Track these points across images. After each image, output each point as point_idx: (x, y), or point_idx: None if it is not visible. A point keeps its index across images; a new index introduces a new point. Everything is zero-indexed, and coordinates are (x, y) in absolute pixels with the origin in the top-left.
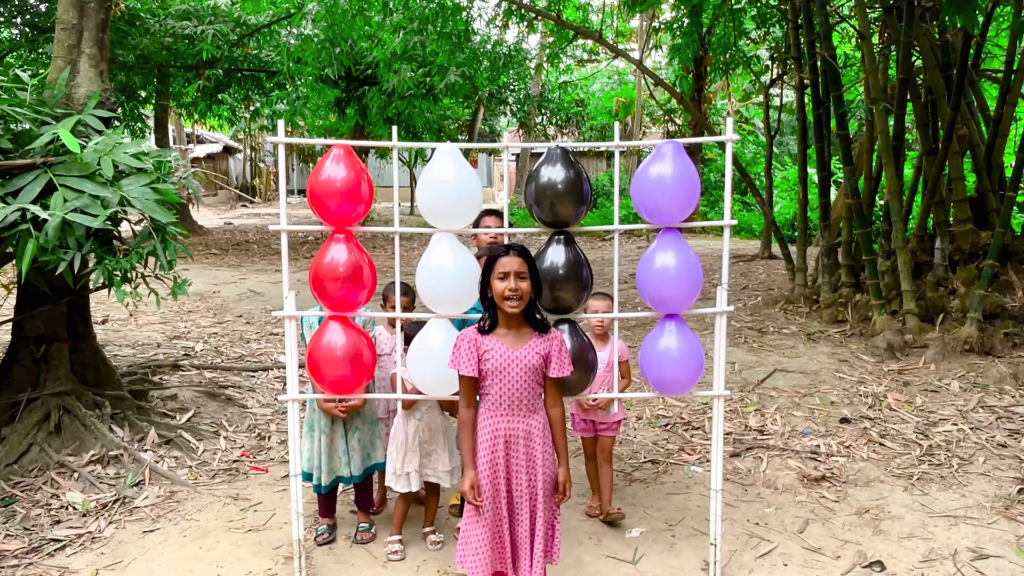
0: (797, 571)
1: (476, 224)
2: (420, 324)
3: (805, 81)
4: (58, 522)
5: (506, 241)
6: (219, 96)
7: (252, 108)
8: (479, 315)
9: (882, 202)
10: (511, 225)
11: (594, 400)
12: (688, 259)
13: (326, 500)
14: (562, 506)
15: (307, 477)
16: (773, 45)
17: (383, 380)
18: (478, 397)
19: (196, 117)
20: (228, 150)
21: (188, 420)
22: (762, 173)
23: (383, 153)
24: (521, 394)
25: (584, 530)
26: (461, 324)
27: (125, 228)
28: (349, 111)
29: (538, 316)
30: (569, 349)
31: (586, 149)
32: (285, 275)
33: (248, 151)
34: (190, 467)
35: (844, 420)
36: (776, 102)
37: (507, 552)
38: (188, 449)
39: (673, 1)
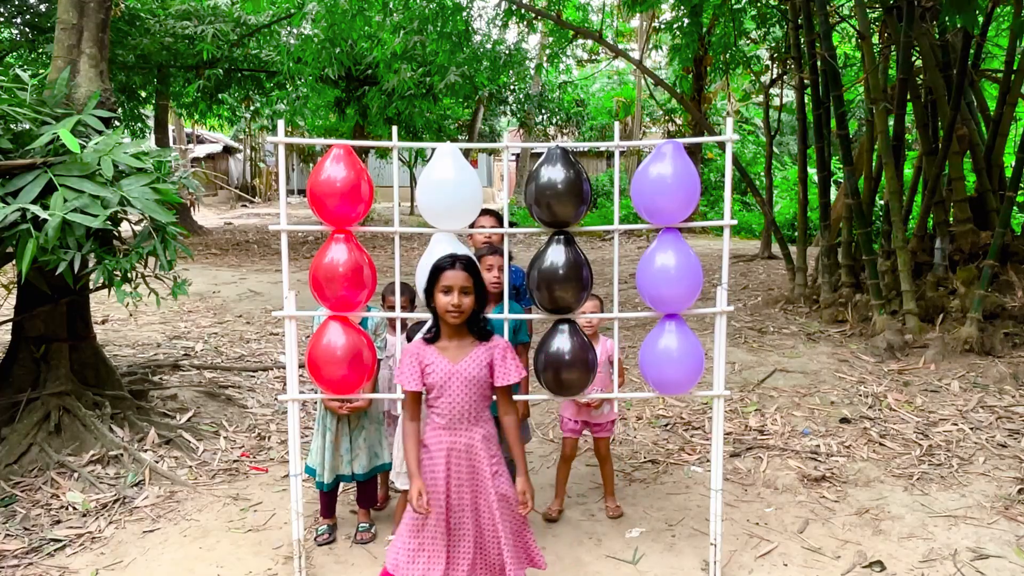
0: (797, 571)
1: (472, 224)
2: (421, 324)
3: (805, 81)
4: (58, 522)
5: (505, 241)
6: (219, 96)
7: (252, 108)
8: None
9: (882, 202)
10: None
11: (588, 402)
12: (688, 259)
13: (327, 499)
14: (564, 506)
15: (312, 472)
16: (773, 45)
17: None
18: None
19: (196, 117)
20: (228, 150)
21: (188, 420)
22: (762, 173)
23: (383, 153)
24: (463, 408)
25: (584, 530)
26: None
27: (125, 228)
28: (349, 111)
29: (481, 325)
30: (568, 350)
31: (586, 149)
32: (285, 275)
33: (248, 151)
34: (190, 467)
35: (844, 420)
36: (776, 102)
37: (442, 568)
38: (188, 449)
39: (673, 1)
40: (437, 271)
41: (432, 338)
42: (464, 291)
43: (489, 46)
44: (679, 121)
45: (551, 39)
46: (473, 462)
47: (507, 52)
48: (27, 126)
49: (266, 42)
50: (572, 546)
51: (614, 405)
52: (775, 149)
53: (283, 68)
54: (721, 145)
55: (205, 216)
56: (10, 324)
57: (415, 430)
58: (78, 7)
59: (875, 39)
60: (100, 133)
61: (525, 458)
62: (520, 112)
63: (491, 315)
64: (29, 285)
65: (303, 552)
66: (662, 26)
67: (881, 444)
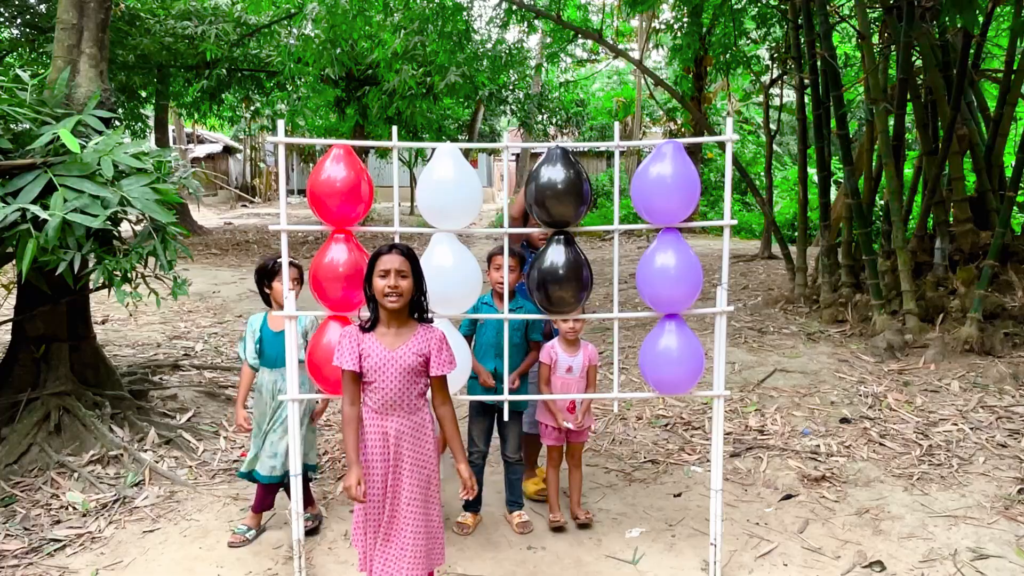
0: (797, 571)
1: (526, 223)
2: None
3: (805, 81)
4: (58, 522)
5: (505, 241)
6: (221, 96)
7: (252, 108)
8: (480, 314)
9: (882, 202)
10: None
11: (572, 409)
12: (688, 259)
13: (263, 493)
14: (560, 508)
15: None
16: (773, 45)
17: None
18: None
19: (196, 117)
20: (228, 150)
21: (188, 420)
22: (762, 173)
23: (383, 153)
24: (397, 395)
25: (584, 530)
26: (469, 324)
27: (125, 228)
28: (349, 111)
29: (424, 313)
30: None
31: (586, 149)
32: (285, 275)
33: (248, 151)
34: (190, 467)
35: (844, 420)
36: (776, 102)
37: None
38: (188, 449)
39: (673, 1)
40: (374, 258)
41: (370, 326)
42: (401, 274)
43: (489, 46)
44: (680, 121)
45: (551, 39)
46: (399, 450)
47: (507, 52)
48: (27, 126)
49: (266, 42)
50: (572, 546)
51: (590, 412)
52: (775, 149)
53: (284, 68)
54: (721, 145)
55: (205, 216)
56: (10, 324)
57: (354, 416)
58: (78, 7)
59: (875, 39)
60: (100, 133)
61: (464, 448)
62: (520, 112)
63: (492, 316)
64: (29, 285)
65: (303, 552)
66: (662, 26)
67: (881, 444)
